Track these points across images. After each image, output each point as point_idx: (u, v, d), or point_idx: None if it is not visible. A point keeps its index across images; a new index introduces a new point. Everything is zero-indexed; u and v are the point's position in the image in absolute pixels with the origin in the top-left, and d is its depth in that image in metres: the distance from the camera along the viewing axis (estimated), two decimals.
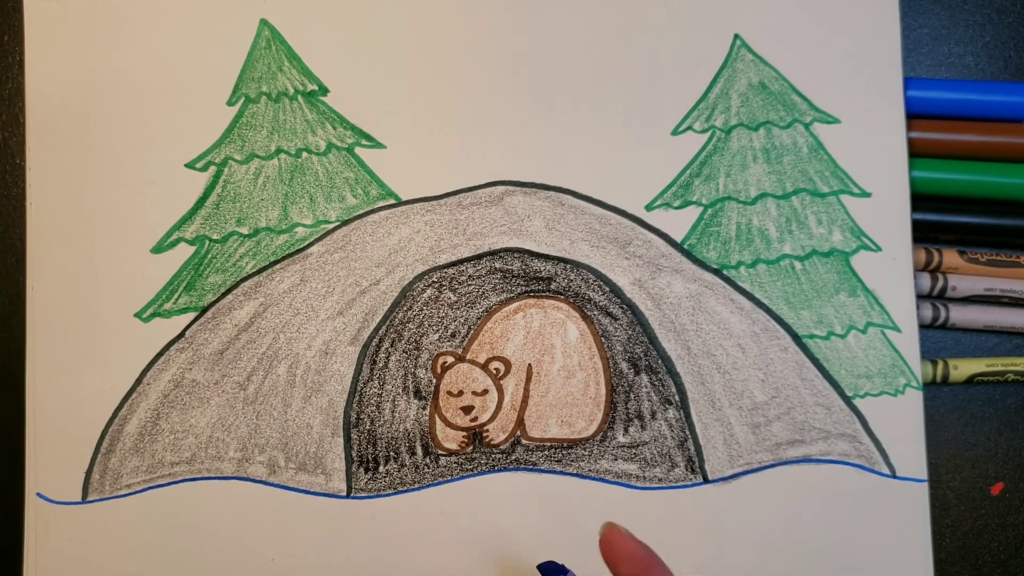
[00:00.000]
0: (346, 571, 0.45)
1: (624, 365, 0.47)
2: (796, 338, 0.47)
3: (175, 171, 0.46)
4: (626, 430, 0.46)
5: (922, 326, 0.49)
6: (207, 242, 0.46)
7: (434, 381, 0.46)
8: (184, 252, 0.46)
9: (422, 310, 0.47)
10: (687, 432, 0.46)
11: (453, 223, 0.47)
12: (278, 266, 0.47)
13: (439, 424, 0.46)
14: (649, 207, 0.47)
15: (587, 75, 0.48)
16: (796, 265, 0.48)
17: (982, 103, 0.49)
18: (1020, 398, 0.50)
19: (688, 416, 0.46)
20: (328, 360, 0.46)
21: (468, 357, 0.46)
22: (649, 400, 0.46)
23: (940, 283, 0.49)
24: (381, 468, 0.46)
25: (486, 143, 0.47)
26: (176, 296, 0.46)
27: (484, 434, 0.46)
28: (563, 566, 0.38)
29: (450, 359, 0.46)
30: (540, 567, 0.38)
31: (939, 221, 0.49)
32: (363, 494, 0.46)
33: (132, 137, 0.46)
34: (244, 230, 0.47)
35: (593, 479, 0.46)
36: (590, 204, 0.47)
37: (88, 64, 0.46)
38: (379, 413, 0.46)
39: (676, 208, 0.48)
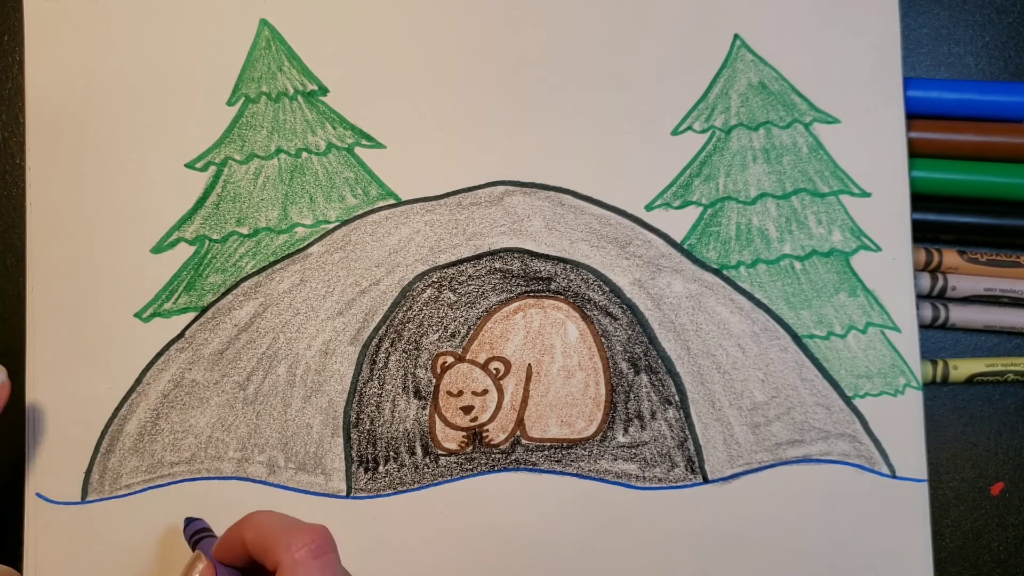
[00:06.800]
0: None
1: (624, 365, 0.47)
2: (796, 338, 0.47)
3: (175, 171, 0.46)
4: (626, 430, 0.46)
5: (922, 326, 0.49)
6: (207, 242, 0.46)
7: (434, 381, 0.46)
8: (184, 252, 0.46)
9: (422, 310, 0.47)
10: (687, 432, 0.46)
11: (453, 223, 0.47)
12: (278, 266, 0.47)
13: (439, 424, 0.46)
14: (649, 207, 0.47)
15: (587, 75, 0.48)
16: (796, 265, 0.48)
17: (982, 103, 0.49)
18: (1020, 398, 0.50)
19: (688, 416, 0.46)
20: (328, 360, 0.46)
21: (468, 357, 0.46)
22: (649, 400, 0.46)
23: (940, 283, 0.49)
24: (381, 468, 0.46)
25: (486, 143, 0.47)
26: (176, 296, 0.46)
27: (484, 434, 0.46)
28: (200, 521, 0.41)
29: (450, 359, 0.46)
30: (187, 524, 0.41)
31: (939, 221, 0.49)
32: (363, 494, 0.46)
33: (132, 137, 0.46)
34: (244, 230, 0.47)
35: (593, 479, 0.46)
36: (590, 204, 0.47)
37: (88, 64, 0.46)
38: (379, 413, 0.46)
39: (676, 208, 0.48)
